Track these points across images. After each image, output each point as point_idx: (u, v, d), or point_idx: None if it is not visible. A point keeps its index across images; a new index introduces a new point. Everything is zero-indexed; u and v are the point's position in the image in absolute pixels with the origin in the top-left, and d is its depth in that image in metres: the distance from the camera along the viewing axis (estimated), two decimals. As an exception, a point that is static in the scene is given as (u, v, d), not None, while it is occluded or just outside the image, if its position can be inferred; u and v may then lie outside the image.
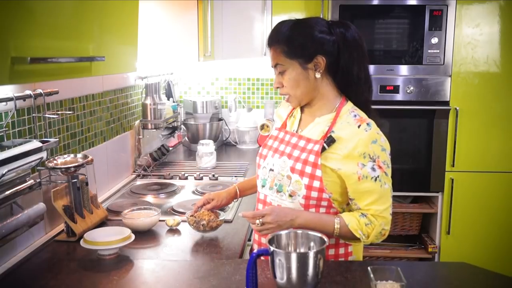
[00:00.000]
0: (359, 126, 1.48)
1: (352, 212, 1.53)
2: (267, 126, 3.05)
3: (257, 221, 1.46)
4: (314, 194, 1.49)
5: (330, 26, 1.53)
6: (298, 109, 1.66)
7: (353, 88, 1.57)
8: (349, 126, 1.50)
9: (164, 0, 2.73)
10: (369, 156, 1.46)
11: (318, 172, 1.48)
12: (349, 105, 1.56)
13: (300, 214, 1.48)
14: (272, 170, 1.58)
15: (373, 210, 1.48)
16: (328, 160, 1.49)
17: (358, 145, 1.46)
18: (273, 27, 1.59)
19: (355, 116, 1.52)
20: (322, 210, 1.53)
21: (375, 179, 1.47)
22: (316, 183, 1.48)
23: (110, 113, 2.40)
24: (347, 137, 1.48)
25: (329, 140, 1.48)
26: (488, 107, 3.09)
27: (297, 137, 1.59)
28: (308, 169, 1.49)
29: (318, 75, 1.53)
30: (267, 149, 1.65)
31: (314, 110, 1.59)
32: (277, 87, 1.59)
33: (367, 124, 1.49)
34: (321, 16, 3.15)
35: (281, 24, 1.56)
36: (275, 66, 1.56)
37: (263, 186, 1.62)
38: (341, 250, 1.57)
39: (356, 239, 1.51)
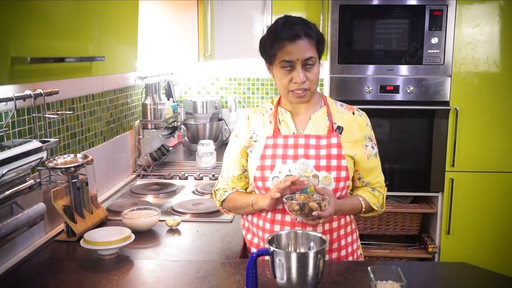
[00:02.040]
0: (353, 113, 1.65)
1: (361, 188, 1.67)
2: None
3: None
4: (341, 184, 1.56)
5: None
6: (285, 113, 1.63)
7: None
8: (344, 115, 1.64)
9: (164, 0, 2.73)
10: (368, 137, 1.64)
11: (344, 162, 1.56)
12: (328, 97, 1.68)
13: (341, 203, 1.55)
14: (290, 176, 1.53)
15: (379, 183, 1.68)
16: (344, 149, 1.57)
17: (359, 129, 1.62)
18: (285, 22, 1.54)
19: (341, 105, 1.67)
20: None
21: (375, 155, 1.66)
22: (343, 173, 1.55)
23: (110, 113, 2.40)
24: (349, 125, 1.62)
25: (340, 130, 1.59)
26: (488, 107, 3.09)
27: (303, 137, 1.59)
28: (334, 162, 1.55)
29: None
30: (270, 159, 1.57)
31: (307, 108, 1.62)
32: (304, 81, 1.52)
33: (357, 110, 1.67)
34: (321, 16, 3.15)
35: (299, 19, 1.56)
36: (307, 59, 1.51)
37: None
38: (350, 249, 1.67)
39: (373, 211, 1.67)
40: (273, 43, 1.53)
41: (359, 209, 1.62)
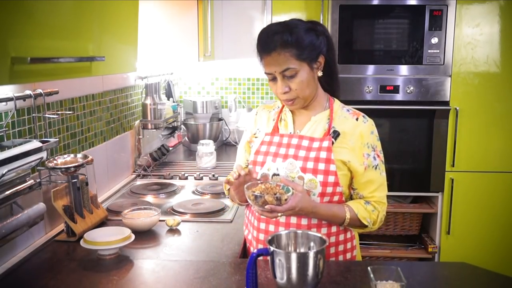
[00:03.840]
0: (357, 119, 1.58)
1: (356, 200, 1.58)
2: None
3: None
4: (329, 189, 1.52)
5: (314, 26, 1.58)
6: (287, 112, 1.64)
7: (333, 85, 1.65)
8: (347, 120, 1.58)
9: (164, 0, 2.73)
10: (371, 146, 1.56)
11: (332, 167, 1.51)
12: (337, 101, 1.64)
13: (316, 205, 1.50)
14: (277, 175, 1.55)
15: (376, 197, 1.57)
16: (338, 154, 1.53)
17: (361, 137, 1.55)
18: (265, 33, 1.52)
19: (348, 110, 1.61)
20: None
21: (375, 168, 1.56)
22: (331, 178, 1.51)
23: (110, 113, 2.40)
24: (349, 131, 1.56)
25: (336, 135, 1.54)
26: (488, 107, 3.09)
27: (297, 137, 1.59)
28: (322, 166, 1.52)
29: (320, 74, 1.57)
30: (262, 155, 1.60)
31: (308, 110, 1.62)
32: (285, 92, 1.52)
33: (363, 116, 1.59)
34: (321, 16, 3.15)
35: (280, 26, 1.51)
36: (283, 71, 1.49)
37: None
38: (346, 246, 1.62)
39: (363, 227, 1.56)
40: (257, 54, 1.56)
41: (342, 217, 1.51)
